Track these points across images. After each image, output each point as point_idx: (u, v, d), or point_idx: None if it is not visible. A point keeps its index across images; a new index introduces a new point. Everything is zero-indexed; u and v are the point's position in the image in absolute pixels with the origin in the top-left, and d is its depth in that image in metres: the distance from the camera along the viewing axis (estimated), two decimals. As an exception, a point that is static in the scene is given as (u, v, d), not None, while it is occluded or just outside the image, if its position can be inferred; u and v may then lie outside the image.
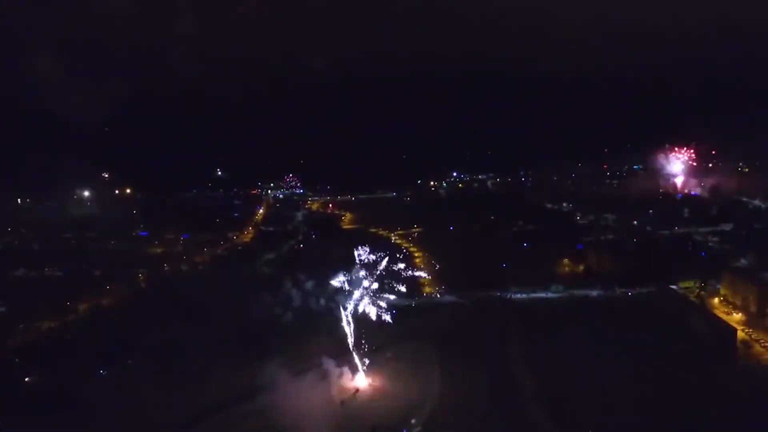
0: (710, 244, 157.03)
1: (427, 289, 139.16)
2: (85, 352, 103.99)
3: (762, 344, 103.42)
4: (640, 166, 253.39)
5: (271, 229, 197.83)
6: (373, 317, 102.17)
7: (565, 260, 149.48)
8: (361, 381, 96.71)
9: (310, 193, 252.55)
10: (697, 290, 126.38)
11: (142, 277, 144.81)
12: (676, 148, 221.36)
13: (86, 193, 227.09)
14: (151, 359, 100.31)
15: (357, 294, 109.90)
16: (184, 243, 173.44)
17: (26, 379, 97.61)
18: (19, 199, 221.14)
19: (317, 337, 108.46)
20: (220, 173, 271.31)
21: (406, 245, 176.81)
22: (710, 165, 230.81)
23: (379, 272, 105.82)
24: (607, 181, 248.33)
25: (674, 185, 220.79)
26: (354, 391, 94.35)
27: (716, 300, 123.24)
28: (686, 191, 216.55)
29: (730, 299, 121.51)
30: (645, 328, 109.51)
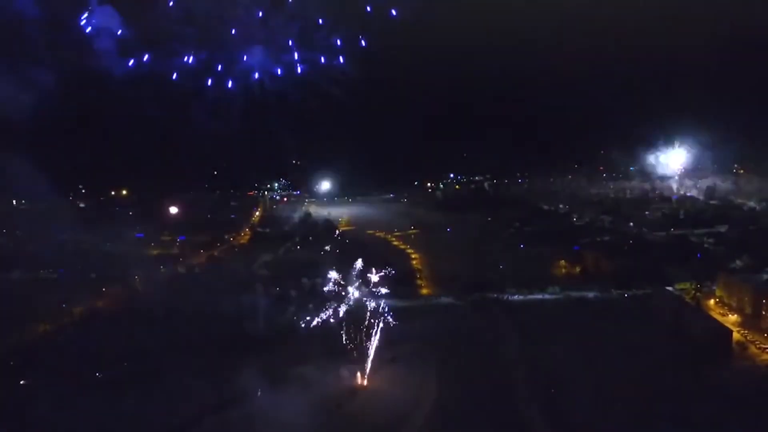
0: (706, 245, 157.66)
1: (425, 291, 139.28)
2: (81, 355, 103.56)
3: (757, 345, 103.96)
4: (636, 168, 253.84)
5: (267, 230, 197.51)
6: (371, 319, 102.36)
7: (562, 261, 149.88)
8: (358, 383, 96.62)
9: (306, 195, 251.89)
10: (693, 291, 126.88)
11: (137, 280, 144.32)
12: (672, 150, 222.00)
13: (82, 194, 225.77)
14: (147, 362, 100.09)
15: (354, 295, 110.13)
16: (180, 245, 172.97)
17: (21, 382, 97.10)
18: (14, 201, 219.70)
19: (314, 339, 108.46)
20: (216, 174, 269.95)
21: (403, 246, 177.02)
22: (706, 166, 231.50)
23: (376, 274, 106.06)
24: (604, 182, 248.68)
25: (670, 187, 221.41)
26: (351, 392, 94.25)
27: (712, 301, 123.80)
28: (682, 193, 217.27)
29: (726, 300, 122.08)
30: (641, 330, 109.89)
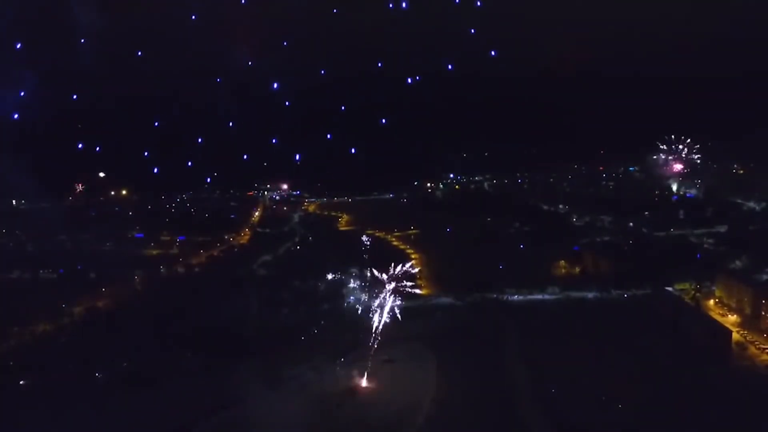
0: (705, 245, 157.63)
1: (424, 291, 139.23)
2: (81, 355, 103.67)
3: (757, 346, 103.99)
4: (636, 168, 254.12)
5: (267, 230, 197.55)
6: (369, 319, 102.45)
7: (562, 262, 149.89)
8: (357, 383, 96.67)
9: (306, 195, 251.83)
10: (693, 292, 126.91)
11: (137, 280, 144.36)
12: (672, 150, 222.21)
13: (82, 194, 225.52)
14: (147, 362, 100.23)
15: (353, 295, 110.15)
16: (180, 245, 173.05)
17: (21, 383, 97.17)
18: (14, 201, 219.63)
19: (314, 339, 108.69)
20: (216, 174, 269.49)
21: (402, 246, 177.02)
22: (705, 166, 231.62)
23: (375, 274, 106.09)
24: (603, 182, 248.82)
25: (670, 187, 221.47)
26: (350, 393, 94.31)
27: (711, 302, 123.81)
28: (681, 193, 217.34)
29: (725, 301, 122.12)
30: (641, 330, 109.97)
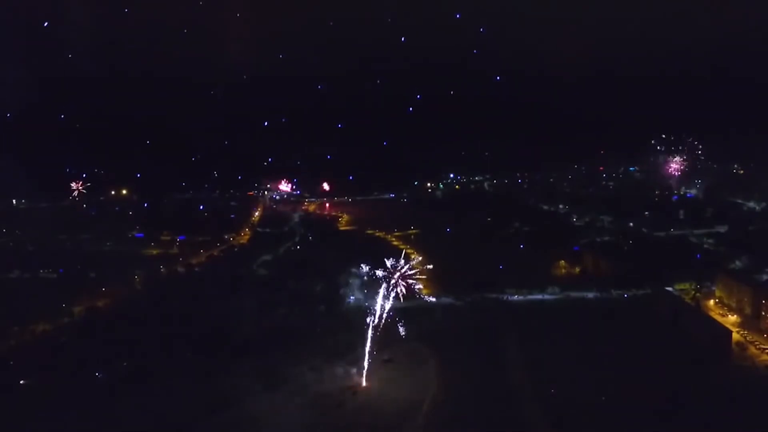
0: (705, 246, 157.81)
1: (424, 291, 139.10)
2: (80, 355, 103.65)
3: (757, 346, 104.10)
4: (636, 168, 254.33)
5: (267, 230, 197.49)
6: (369, 319, 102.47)
7: (562, 262, 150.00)
8: (357, 383, 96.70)
9: (306, 194, 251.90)
10: (693, 292, 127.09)
11: (137, 279, 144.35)
12: (672, 150, 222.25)
13: (82, 194, 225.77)
14: (145, 362, 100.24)
15: (352, 296, 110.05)
16: (180, 245, 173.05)
17: (21, 382, 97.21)
18: (14, 200, 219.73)
19: (314, 339, 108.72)
20: (216, 174, 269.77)
21: (403, 246, 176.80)
22: (705, 166, 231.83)
23: (374, 274, 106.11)
24: (603, 182, 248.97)
25: (670, 187, 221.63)
26: (351, 392, 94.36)
27: (711, 302, 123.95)
28: (681, 193, 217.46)
29: (726, 301, 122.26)
30: (641, 330, 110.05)
